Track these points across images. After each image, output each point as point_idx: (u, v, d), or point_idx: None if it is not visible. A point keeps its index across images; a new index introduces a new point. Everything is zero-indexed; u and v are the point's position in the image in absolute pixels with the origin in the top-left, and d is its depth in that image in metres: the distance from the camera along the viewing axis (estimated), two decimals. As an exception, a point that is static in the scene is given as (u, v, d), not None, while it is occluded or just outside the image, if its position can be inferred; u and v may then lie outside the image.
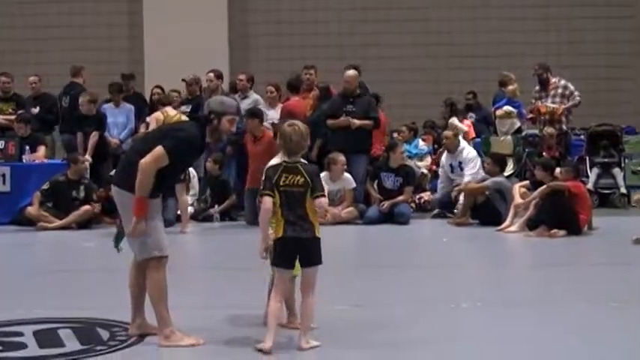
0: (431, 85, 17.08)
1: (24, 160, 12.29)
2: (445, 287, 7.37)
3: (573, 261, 9.16)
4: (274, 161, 5.51)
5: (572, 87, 13.61)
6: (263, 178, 5.39)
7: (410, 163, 13.14)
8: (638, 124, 15.97)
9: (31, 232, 11.32)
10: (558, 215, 10.22)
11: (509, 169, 12.85)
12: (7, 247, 10.42)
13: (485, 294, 7.19)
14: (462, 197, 11.81)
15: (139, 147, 5.59)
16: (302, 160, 5.38)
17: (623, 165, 13.62)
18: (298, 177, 5.25)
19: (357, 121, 12.15)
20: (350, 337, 5.61)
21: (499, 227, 10.80)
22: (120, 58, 17.35)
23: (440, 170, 12.86)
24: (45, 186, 11.62)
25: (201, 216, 12.24)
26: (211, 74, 13.35)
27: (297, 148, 5.34)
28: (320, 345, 5.26)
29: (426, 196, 12.98)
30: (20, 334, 5.66)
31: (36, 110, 13.69)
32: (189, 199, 12.00)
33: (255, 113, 11.82)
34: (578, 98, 13.55)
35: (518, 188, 11.20)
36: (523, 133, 13.81)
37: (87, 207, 11.53)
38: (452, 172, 12.50)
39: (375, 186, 12.22)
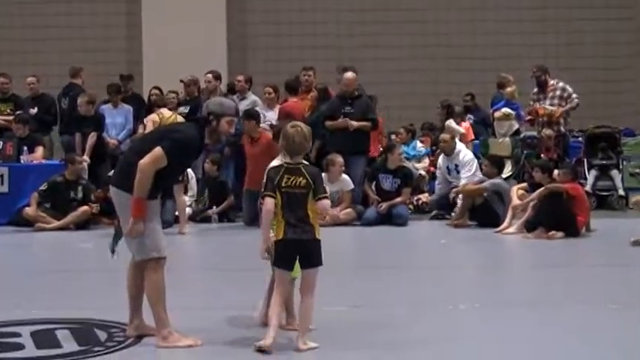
0: (429, 86, 17.05)
1: (22, 161, 12.29)
2: (444, 288, 7.39)
3: (572, 262, 9.16)
4: (276, 162, 5.50)
5: (570, 89, 13.57)
6: (264, 179, 5.37)
7: (408, 164, 13.15)
8: (637, 126, 15.99)
9: (29, 232, 11.30)
10: (556, 217, 10.23)
11: (507, 171, 12.84)
12: (5, 248, 10.41)
13: (483, 295, 7.21)
14: (460, 199, 11.82)
15: (138, 148, 5.60)
16: (304, 162, 5.37)
17: (621, 167, 13.60)
18: (300, 178, 5.25)
19: (355, 123, 12.14)
20: (349, 337, 5.61)
21: (497, 229, 10.80)
22: (118, 59, 17.31)
23: (437, 172, 12.85)
24: (43, 187, 11.60)
25: (199, 217, 12.22)
26: (210, 75, 13.34)
27: (299, 149, 5.33)
28: (318, 346, 5.26)
29: (423, 197, 12.95)
30: (18, 335, 5.65)
31: (34, 111, 13.67)
32: (188, 200, 11.99)
33: (252, 115, 11.80)
34: (576, 101, 13.50)
35: (516, 190, 11.20)
36: (521, 135, 13.77)
37: (85, 208, 11.51)
38: (449, 174, 12.51)
39: (373, 187, 12.23)
